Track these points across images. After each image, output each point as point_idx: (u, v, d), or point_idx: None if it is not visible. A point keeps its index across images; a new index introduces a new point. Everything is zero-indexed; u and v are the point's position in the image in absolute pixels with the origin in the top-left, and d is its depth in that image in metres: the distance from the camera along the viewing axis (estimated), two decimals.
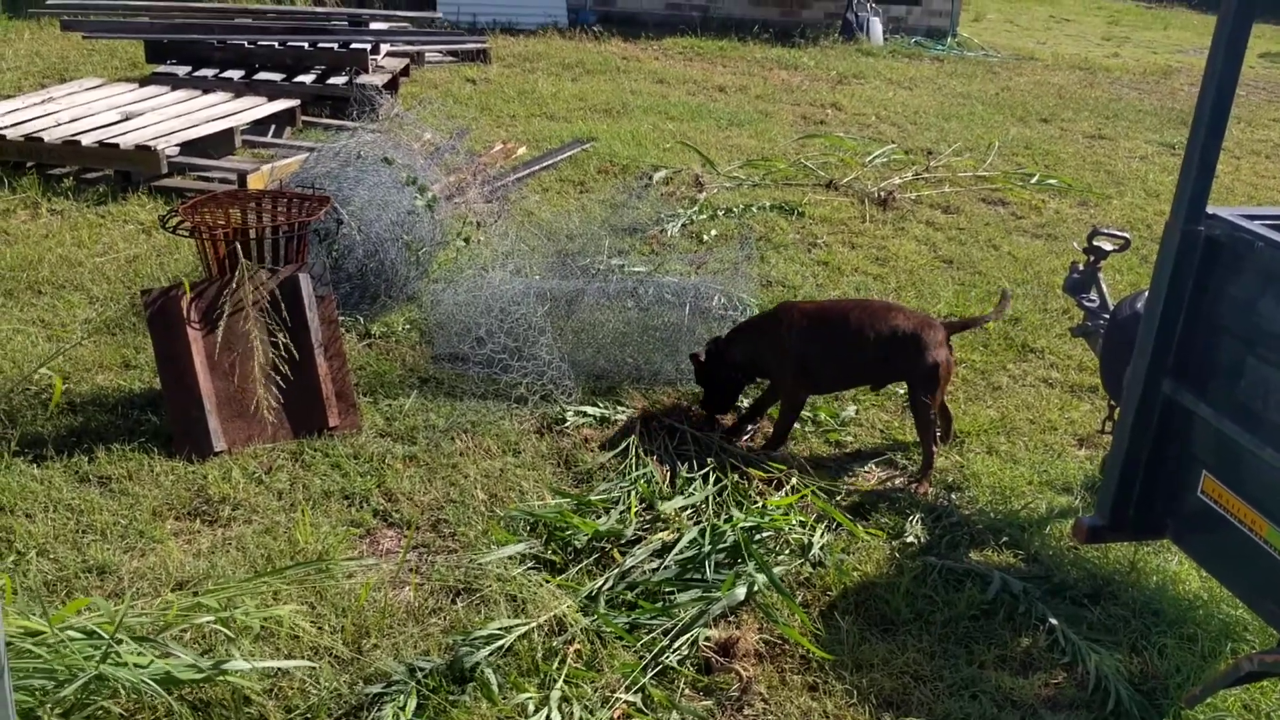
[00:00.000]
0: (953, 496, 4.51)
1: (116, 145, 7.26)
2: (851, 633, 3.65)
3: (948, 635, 3.69)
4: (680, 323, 5.30)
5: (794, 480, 4.45)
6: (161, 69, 9.79)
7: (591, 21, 15.10)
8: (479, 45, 12.38)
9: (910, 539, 4.17)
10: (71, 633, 2.83)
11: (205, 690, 3.06)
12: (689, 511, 4.17)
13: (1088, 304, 4.69)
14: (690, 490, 4.29)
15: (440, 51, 12.29)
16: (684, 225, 7.29)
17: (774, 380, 4.79)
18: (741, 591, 3.70)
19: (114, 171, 7.39)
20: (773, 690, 3.40)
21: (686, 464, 4.51)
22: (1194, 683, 3.43)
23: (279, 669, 3.20)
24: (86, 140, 7.32)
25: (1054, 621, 3.72)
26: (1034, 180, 9.03)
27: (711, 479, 4.37)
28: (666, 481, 4.39)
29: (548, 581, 3.70)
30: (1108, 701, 3.40)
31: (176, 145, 7.46)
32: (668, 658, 3.43)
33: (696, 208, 7.64)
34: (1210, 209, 3.10)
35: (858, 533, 4.14)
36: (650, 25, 15.32)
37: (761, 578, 3.75)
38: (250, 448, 4.44)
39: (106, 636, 2.77)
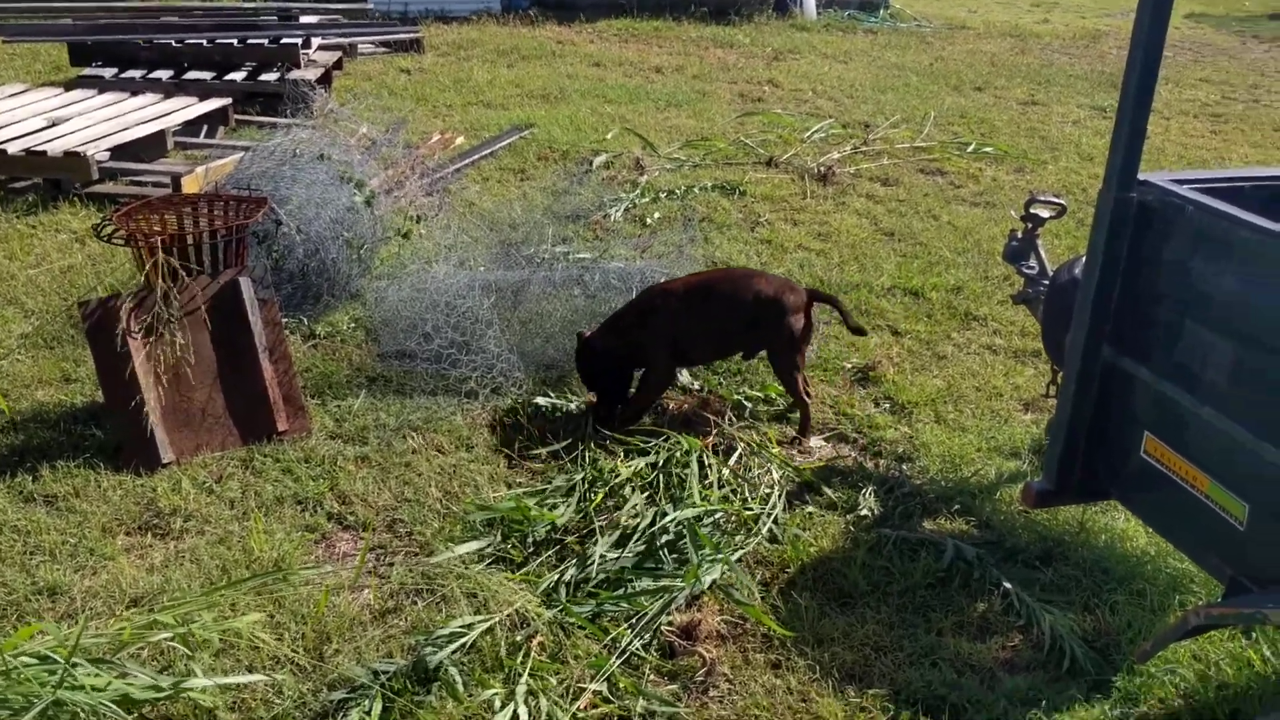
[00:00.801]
0: (904, 467, 4.57)
1: (44, 153, 7.11)
2: (810, 608, 3.69)
3: (905, 605, 3.74)
4: None
5: (740, 449, 4.49)
6: (87, 71, 9.58)
7: (525, 6, 15.00)
8: (412, 35, 12.26)
9: (864, 512, 4.22)
10: (25, 658, 2.78)
11: (167, 707, 3.03)
12: (645, 497, 4.17)
13: (1027, 271, 4.75)
14: (643, 475, 4.30)
15: (373, 43, 12.15)
16: (626, 209, 7.29)
17: (648, 362, 4.78)
18: (708, 579, 3.73)
19: (43, 180, 7.23)
20: (736, 670, 3.43)
21: (637, 450, 4.52)
22: (1145, 637, 3.51)
23: (241, 681, 3.18)
24: (12, 149, 7.15)
25: (1008, 585, 3.79)
26: (970, 149, 9.12)
27: (661, 460, 4.38)
28: (620, 466, 4.40)
29: (509, 578, 3.70)
30: (1063, 661, 3.47)
31: (107, 150, 7.31)
32: (631, 644, 3.45)
33: (638, 191, 7.64)
34: (1142, 175, 3.15)
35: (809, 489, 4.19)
36: (584, 7, 15.24)
37: (721, 567, 3.78)
38: (199, 457, 4.39)
39: (61, 661, 2.73)
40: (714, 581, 3.73)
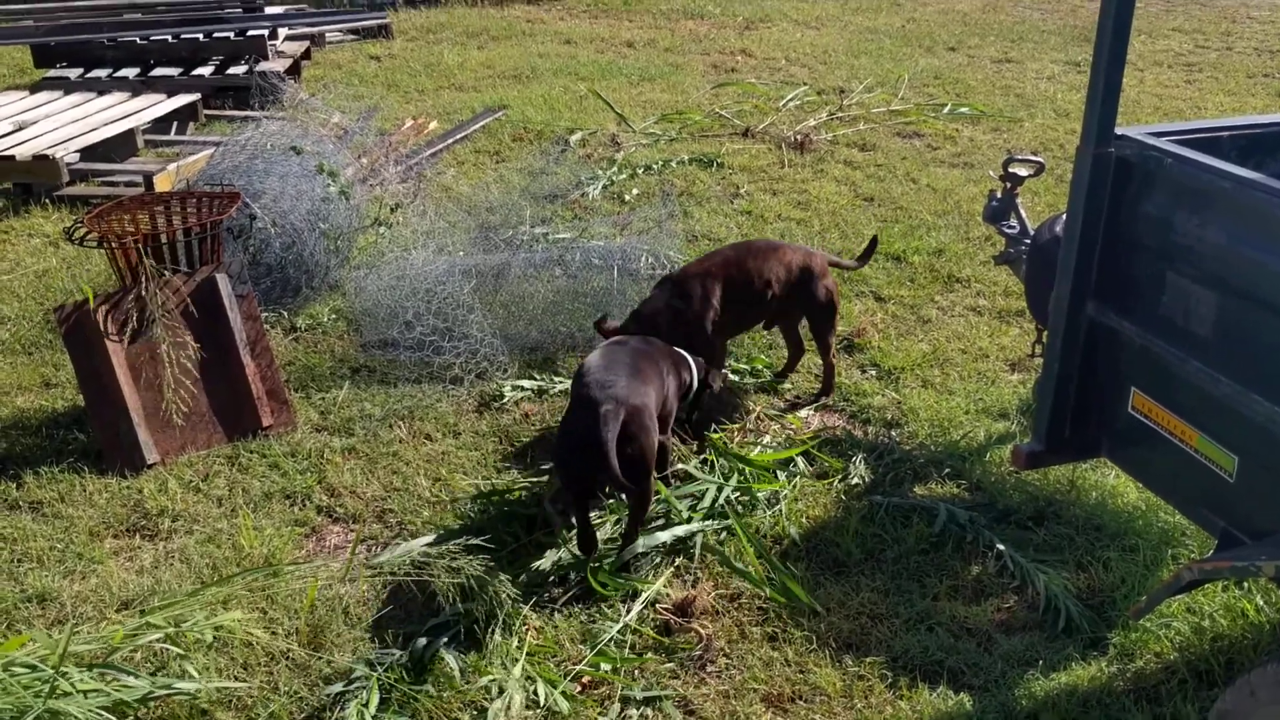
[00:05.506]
0: (893, 433, 4.56)
1: (12, 157, 7.01)
2: (805, 578, 3.69)
3: (900, 571, 3.74)
4: (610, 286, 5.27)
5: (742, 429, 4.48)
6: (52, 73, 9.44)
7: None
8: (380, 21, 12.13)
9: (855, 480, 4.21)
10: (15, 668, 2.75)
11: (162, 707, 3.01)
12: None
13: (1008, 231, 4.74)
14: None
15: (341, 31, 12.02)
16: (604, 187, 7.24)
17: (698, 351, 4.59)
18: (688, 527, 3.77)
19: (13, 184, 7.14)
20: (733, 644, 3.43)
21: None
22: (1139, 592, 3.52)
23: (236, 677, 3.16)
24: None
25: (1001, 547, 3.79)
26: (946, 110, 9.08)
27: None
28: None
29: (499, 563, 3.68)
30: (1059, 620, 3.47)
31: (76, 152, 7.22)
32: (628, 621, 3.44)
33: (615, 167, 7.58)
34: (1119, 129, 3.13)
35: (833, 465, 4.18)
36: None
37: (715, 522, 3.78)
38: (184, 456, 4.35)
39: (50, 669, 2.70)
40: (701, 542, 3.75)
